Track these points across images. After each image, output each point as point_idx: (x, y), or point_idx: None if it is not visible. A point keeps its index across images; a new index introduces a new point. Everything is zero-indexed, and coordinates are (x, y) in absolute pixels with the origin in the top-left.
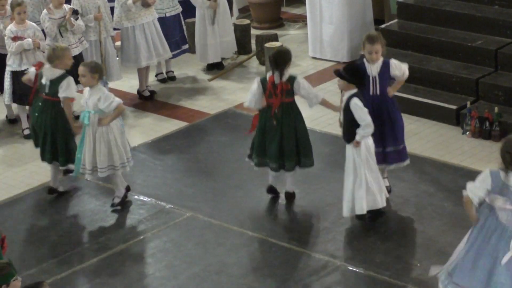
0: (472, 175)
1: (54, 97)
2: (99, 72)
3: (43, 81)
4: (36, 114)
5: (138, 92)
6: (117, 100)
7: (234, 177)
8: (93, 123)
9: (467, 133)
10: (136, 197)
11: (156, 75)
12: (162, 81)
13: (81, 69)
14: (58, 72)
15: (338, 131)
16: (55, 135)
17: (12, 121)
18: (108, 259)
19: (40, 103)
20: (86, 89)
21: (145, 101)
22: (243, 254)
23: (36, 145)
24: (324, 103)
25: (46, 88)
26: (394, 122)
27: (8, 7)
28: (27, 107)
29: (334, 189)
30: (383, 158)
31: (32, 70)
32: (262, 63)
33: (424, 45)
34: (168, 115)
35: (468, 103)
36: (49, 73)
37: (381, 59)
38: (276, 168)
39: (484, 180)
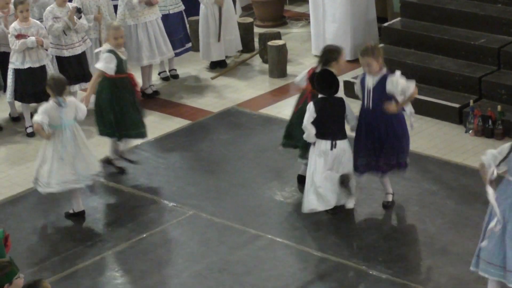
0: (474, 173)
1: None
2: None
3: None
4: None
5: (141, 90)
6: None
7: (237, 175)
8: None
9: (470, 131)
10: (138, 195)
11: (159, 73)
12: (165, 79)
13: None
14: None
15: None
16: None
17: (15, 119)
18: (111, 257)
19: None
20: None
21: (148, 99)
22: (246, 252)
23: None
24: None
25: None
26: (392, 137)
27: (11, 6)
28: (30, 105)
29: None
30: (375, 167)
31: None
32: (265, 61)
33: (427, 44)
34: (171, 113)
35: (471, 101)
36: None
37: (382, 72)
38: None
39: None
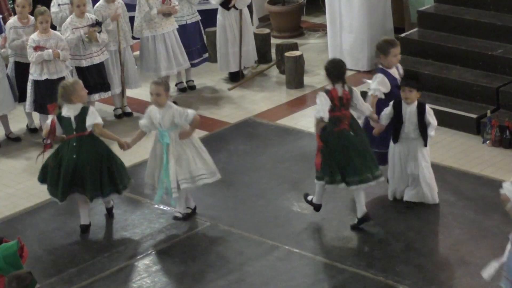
0: (492, 184)
1: (85, 131)
2: (169, 89)
3: (68, 121)
4: (74, 156)
5: None
6: (192, 112)
7: (254, 186)
8: (175, 140)
9: (488, 142)
10: (156, 206)
11: (176, 84)
12: (182, 90)
13: (156, 88)
14: (79, 106)
15: None
16: (102, 165)
17: (33, 130)
18: (128, 269)
19: (74, 144)
20: (155, 109)
21: None
22: (263, 263)
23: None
24: (372, 116)
25: (74, 126)
26: None
27: (32, 17)
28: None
29: (352, 197)
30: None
31: (48, 122)
32: (282, 72)
33: (444, 54)
34: None
35: (488, 112)
36: (71, 111)
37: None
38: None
39: None
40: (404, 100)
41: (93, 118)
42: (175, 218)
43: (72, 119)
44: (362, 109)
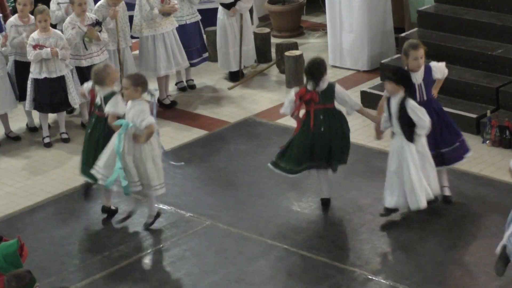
0: (492, 184)
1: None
2: (142, 85)
3: (98, 99)
4: (89, 130)
5: (158, 100)
6: (149, 121)
7: (254, 185)
8: (128, 135)
9: (487, 142)
10: (156, 205)
11: (176, 84)
12: (182, 89)
13: (124, 81)
14: (108, 89)
15: (359, 140)
16: None
17: (32, 129)
18: (128, 268)
19: (93, 120)
20: (129, 102)
21: (165, 110)
22: (263, 263)
23: (85, 163)
24: (362, 112)
25: (101, 105)
26: (446, 123)
27: (32, 16)
28: (49, 115)
29: (354, 198)
30: (440, 160)
31: (86, 85)
32: (282, 71)
33: (444, 54)
34: (188, 124)
35: (488, 112)
36: (102, 91)
37: (423, 66)
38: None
39: None
40: (385, 92)
41: (113, 108)
42: (146, 225)
43: (102, 99)
44: (351, 105)
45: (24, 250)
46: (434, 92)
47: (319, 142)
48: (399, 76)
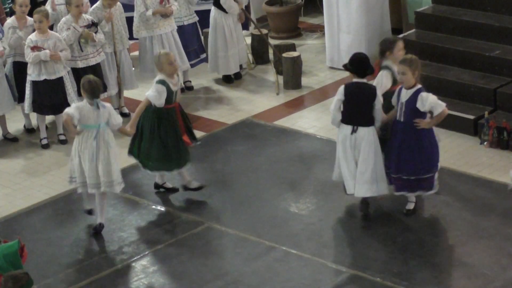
0: (490, 185)
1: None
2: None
3: (171, 92)
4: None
5: None
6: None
7: (251, 186)
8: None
9: (485, 143)
10: (153, 206)
11: None
12: (180, 90)
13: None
14: (158, 76)
15: None
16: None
17: (30, 130)
18: (125, 269)
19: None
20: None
21: None
22: (261, 264)
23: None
24: None
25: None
26: (419, 151)
27: (30, 18)
28: (46, 116)
29: (351, 199)
30: (401, 184)
31: None
32: (279, 72)
33: (442, 55)
34: None
35: (486, 113)
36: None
37: (417, 87)
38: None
39: None
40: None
41: (150, 92)
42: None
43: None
44: None
45: (24, 251)
46: (424, 123)
47: None
48: (353, 64)
